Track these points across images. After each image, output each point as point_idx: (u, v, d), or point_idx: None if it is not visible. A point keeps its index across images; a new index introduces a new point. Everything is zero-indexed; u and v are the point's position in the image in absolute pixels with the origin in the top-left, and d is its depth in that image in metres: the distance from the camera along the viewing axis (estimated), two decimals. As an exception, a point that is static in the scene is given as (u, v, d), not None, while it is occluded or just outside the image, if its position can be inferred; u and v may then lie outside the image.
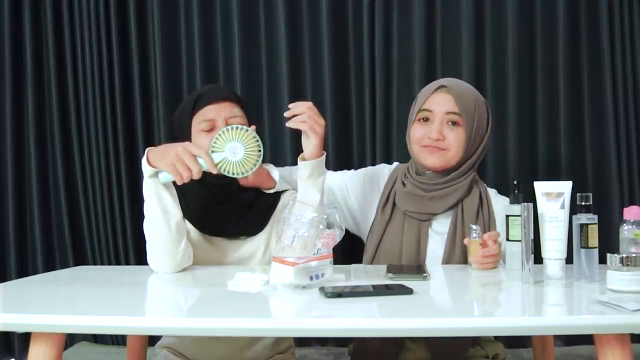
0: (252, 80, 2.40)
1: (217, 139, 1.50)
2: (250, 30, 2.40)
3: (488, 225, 1.67)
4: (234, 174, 1.50)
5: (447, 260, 1.65)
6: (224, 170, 1.49)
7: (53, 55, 2.43)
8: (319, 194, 1.59)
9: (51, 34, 2.43)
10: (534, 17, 2.31)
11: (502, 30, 2.31)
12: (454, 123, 1.66)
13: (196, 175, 1.45)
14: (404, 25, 2.34)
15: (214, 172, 1.48)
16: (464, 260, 1.62)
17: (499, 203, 1.70)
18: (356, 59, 2.36)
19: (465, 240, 1.56)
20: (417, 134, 1.70)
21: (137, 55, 2.42)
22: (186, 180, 1.45)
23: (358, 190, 1.81)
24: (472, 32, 2.30)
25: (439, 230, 1.69)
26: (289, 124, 1.54)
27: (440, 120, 1.66)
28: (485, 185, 1.77)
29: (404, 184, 1.73)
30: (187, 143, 1.48)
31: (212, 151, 1.50)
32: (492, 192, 1.75)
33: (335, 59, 2.35)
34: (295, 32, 2.38)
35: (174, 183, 1.54)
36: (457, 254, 1.64)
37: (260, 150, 1.51)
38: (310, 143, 1.55)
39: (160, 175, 1.49)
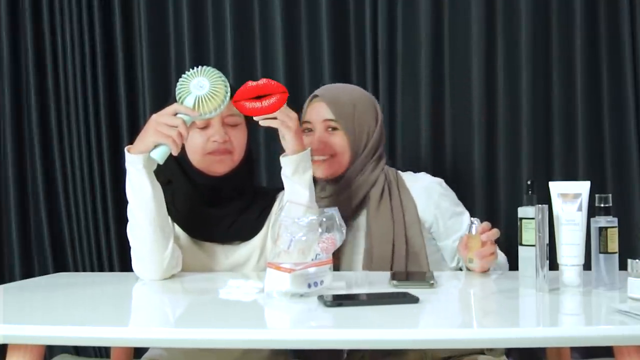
0: (246, 77, 2.38)
1: (180, 87, 1.50)
2: (244, 23, 2.41)
3: (401, 203, 1.74)
4: (213, 110, 1.49)
5: (370, 252, 1.71)
6: (203, 112, 1.48)
7: (31, 46, 2.43)
8: (307, 191, 1.59)
9: (29, 24, 2.43)
10: (549, 6, 2.31)
11: (514, 21, 2.31)
12: (334, 129, 1.78)
13: (183, 130, 1.45)
14: (409, 16, 2.34)
15: (195, 114, 1.47)
16: (385, 250, 1.69)
17: (412, 179, 1.80)
18: (358, 52, 2.37)
19: (464, 237, 1.57)
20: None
21: (122, 48, 2.42)
22: (178, 140, 1.45)
23: None
24: (483, 23, 2.30)
25: (358, 226, 1.77)
26: (262, 123, 1.55)
27: (320, 129, 1.78)
28: (394, 169, 1.84)
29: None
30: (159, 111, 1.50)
31: (181, 101, 1.49)
32: (404, 174, 1.83)
33: (336, 52, 2.35)
34: (293, 24, 2.38)
35: (162, 184, 1.54)
36: (376, 246, 1.70)
37: (223, 79, 1.51)
38: (287, 139, 1.58)
39: (153, 154, 1.48)
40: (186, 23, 2.41)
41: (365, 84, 2.35)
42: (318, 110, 1.80)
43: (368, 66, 2.36)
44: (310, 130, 1.80)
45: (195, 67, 1.51)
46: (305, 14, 2.37)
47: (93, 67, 2.42)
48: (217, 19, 2.42)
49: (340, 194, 1.77)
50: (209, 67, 1.51)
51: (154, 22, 2.43)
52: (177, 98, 1.49)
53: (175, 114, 1.47)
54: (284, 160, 1.60)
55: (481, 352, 1.64)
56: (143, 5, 2.40)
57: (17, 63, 2.47)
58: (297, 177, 1.59)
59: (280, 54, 2.37)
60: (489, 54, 2.32)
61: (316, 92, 1.84)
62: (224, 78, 1.51)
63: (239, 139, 1.66)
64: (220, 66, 2.39)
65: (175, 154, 1.48)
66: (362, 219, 1.78)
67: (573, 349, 2.11)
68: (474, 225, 1.53)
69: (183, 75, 1.51)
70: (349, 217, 1.75)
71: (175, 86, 1.49)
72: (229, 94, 1.50)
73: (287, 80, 2.36)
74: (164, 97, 2.32)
